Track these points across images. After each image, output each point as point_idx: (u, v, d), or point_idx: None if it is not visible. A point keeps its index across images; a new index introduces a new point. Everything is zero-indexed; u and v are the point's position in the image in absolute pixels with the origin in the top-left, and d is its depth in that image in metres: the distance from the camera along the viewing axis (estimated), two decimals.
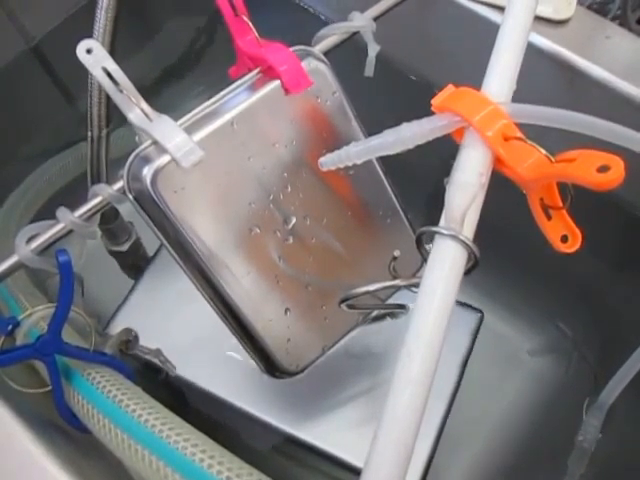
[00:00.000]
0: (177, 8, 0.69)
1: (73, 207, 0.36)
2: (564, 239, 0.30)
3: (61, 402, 0.36)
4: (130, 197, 0.35)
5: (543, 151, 0.28)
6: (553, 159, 0.28)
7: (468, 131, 0.29)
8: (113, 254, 0.57)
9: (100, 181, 0.50)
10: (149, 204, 0.34)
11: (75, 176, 0.59)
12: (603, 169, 0.25)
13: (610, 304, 0.57)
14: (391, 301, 0.43)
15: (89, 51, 0.34)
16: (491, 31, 0.33)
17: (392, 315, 0.45)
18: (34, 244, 0.35)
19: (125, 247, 0.57)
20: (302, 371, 0.42)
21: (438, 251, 0.28)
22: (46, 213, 0.36)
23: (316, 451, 0.47)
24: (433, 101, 0.30)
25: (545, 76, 0.48)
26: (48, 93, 0.63)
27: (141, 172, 0.34)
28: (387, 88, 0.53)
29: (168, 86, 0.66)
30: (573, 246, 0.30)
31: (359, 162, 0.32)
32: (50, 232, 0.35)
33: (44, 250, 0.35)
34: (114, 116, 0.48)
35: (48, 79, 0.64)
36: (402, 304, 0.43)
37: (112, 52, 0.46)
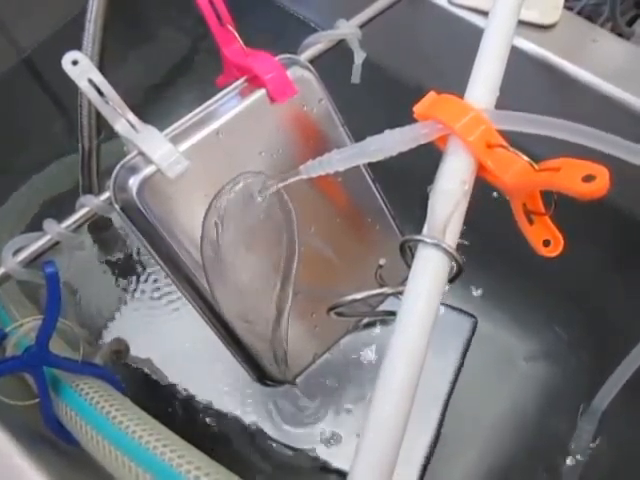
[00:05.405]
0: (168, 17, 0.69)
1: (64, 218, 0.36)
2: (546, 243, 0.30)
3: (49, 414, 0.35)
4: (117, 208, 0.35)
5: (526, 158, 0.28)
6: (536, 167, 0.28)
7: (451, 139, 0.29)
8: (106, 263, 0.57)
9: (92, 192, 0.50)
10: (136, 215, 0.34)
11: (69, 187, 0.59)
12: (588, 179, 0.25)
13: (607, 307, 0.57)
14: (382, 308, 0.43)
15: (75, 63, 0.34)
16: (477, 36, 0.33)
17: (383, 322, 0.45)
18: (21, 256, 0.35)
19: (118, 256, 0.57)
20: (293, 379, 0.42)
21: (421, 260, 0.27)
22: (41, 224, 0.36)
23: (308, 457, 0.47)
24: (415, 109, 0.30)
25: (532, 81, 0.48)
26: (40, 104, 0.64)
27: (127, 182, 0.34)
28: (375, 94, 0.52)
29: (160, 94, 0.66)
30: (555, 250, 0.30)
31: (341, 169, 0.32)
32: (37, 244, 0.35)
33: (32, 262, 0.35)
34: (105, 127, 0.48)
35: (40, 91, 0.65)
36: (392, 311, 0.42)
37: (102, 62, 0.46)
